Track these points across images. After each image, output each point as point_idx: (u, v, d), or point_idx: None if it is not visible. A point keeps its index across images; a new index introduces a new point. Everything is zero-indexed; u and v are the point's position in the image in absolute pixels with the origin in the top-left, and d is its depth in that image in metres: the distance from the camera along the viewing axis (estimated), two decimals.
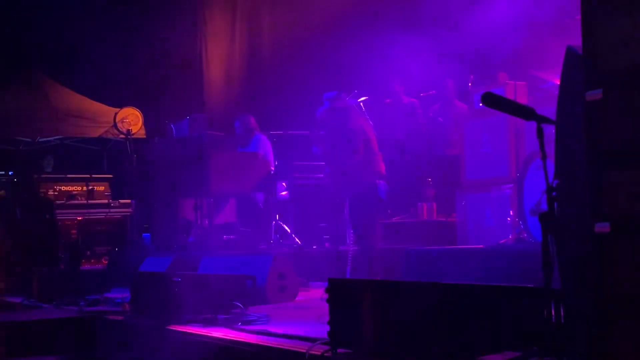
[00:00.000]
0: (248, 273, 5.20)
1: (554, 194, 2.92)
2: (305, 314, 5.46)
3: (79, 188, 10.37)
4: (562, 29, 6.50)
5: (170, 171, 9.25)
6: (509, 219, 7.08)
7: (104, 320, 5.80)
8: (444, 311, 3.29)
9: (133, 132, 10.83)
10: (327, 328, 3.82)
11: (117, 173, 11.00)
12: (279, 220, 9.02)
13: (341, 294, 3.85)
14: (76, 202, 10.09)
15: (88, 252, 9.79)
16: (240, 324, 4.78)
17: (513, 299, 3.13)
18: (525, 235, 6.33)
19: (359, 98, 8.61)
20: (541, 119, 3.05)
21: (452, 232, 7.77)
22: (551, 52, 6.03)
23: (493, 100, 3.13)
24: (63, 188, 10.29)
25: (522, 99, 7.02)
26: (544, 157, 2.97)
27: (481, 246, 6.65)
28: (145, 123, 11.19)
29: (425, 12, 9.27)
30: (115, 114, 11.13)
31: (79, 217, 9.98)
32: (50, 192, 10.15)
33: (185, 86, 12.02)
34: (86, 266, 9.28)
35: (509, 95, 6.89)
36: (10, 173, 10.71)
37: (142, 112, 11.19)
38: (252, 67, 12.17)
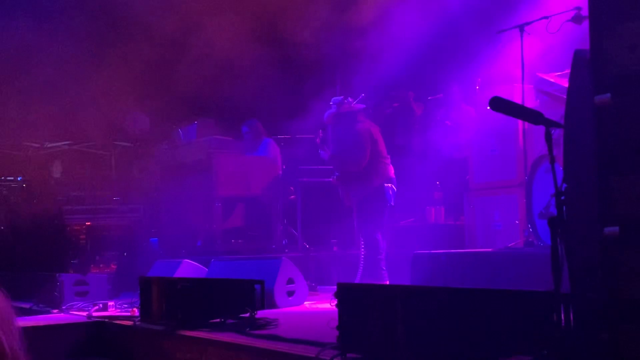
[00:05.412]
0: (256, 277, 5.19)
1: (562, 197, 2.91)
2: (313, 319, 5.46)
3: (88, 193, 10.39)
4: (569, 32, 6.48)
5: (178, 175, 9.28)
6: (517, 222, 7.07)
7: (113, 326, 5.81)
8: (453, 315, 3.28)
9: (140, 136, 10.85)
10: (336, 333, 3.81)
11: (125, 178, 11.01)
12: (287, 224, 9.02)
13: (350, 299, 3.85)
14: (84, 207, 10.11)
15: (97, 257, 9.80)
16: (249, 329, 4.78)
17: (522, 303, 3.12)
18: (534, 238, 6.30)
19: (366, 102, 8.62)
20: (549, 123, 3.04)
21: (461, 236, 7.75)
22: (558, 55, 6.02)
23: (501, 105, 3.13)
24: (72, 193, 10.31)
25: (530, 102, 7.01)
26: (552, 161, 2.96)
27: (490, 250, 6.63)
28: (152, 127, 11.19)
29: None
30: (123, 118, 11.14)
31: (88, 222, 9.99)
32: (59, 198, 10.17)
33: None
34: (95, 271, 9.29)
35: (517, 99, 6.88)
36: (19, 178, 10.74)
37: (149, 116, 11.20)
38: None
